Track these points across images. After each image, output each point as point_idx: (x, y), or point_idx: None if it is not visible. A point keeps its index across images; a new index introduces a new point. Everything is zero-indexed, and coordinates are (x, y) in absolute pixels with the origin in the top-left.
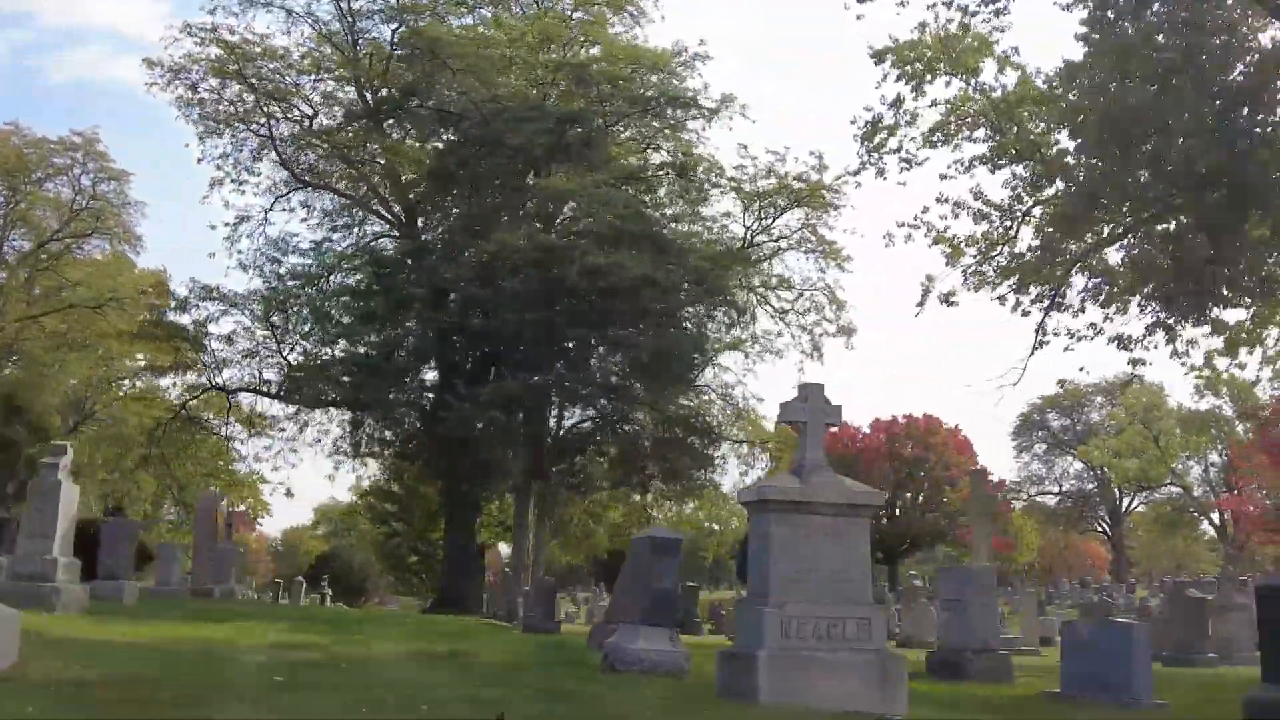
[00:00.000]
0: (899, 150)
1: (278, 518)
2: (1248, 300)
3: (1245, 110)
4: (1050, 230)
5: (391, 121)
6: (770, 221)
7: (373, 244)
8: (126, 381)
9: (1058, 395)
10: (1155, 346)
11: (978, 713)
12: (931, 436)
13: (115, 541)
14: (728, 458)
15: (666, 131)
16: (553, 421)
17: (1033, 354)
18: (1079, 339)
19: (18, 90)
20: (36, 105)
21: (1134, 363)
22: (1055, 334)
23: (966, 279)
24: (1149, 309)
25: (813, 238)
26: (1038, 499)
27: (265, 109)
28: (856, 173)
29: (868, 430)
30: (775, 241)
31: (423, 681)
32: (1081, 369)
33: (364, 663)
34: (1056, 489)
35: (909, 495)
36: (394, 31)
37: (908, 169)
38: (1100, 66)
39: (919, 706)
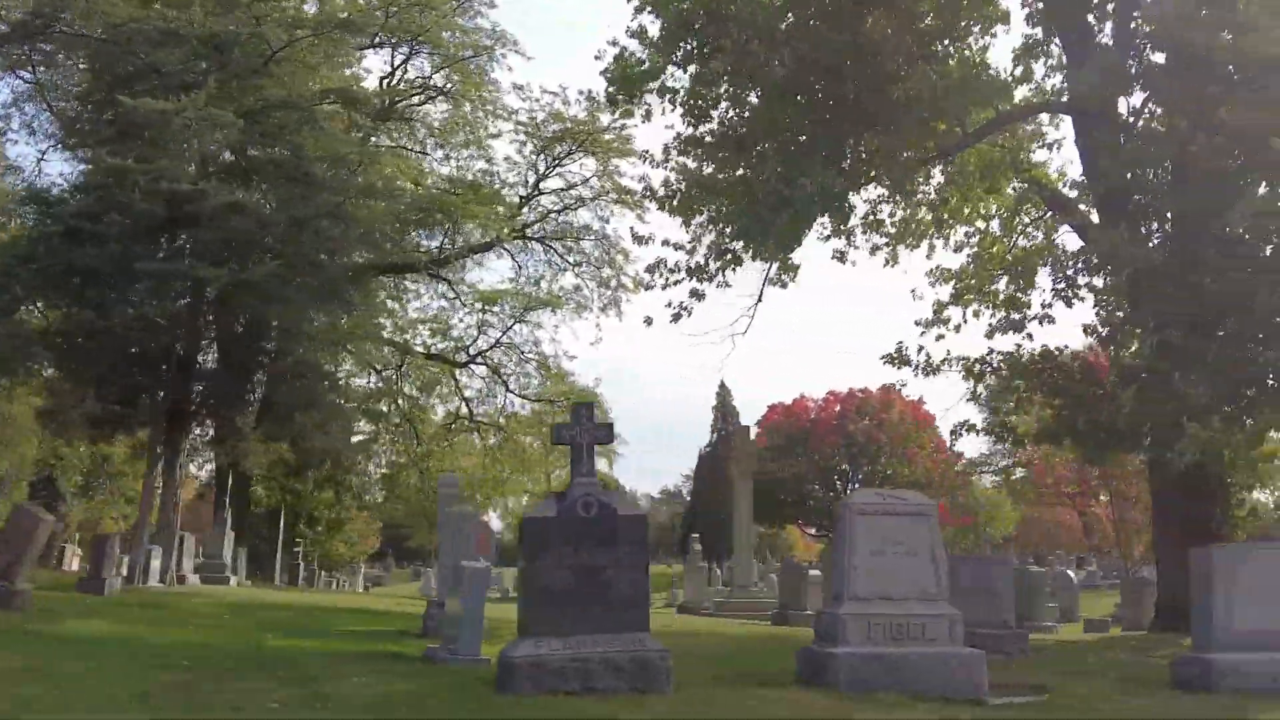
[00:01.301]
0: (662, 90)
1: None
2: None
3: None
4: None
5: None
6: (549, 170)
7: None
8: None
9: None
10: (720, 271)
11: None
12: (886, 410)
13: None
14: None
15: (436, 71)
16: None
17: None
18: (669, 281)
19: None
20: None
21: (694, 294)
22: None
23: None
24: (716, 231)
25: (609, 186)
26: (1008, 470)
27: (33, 54)
28: (615, 113)
29: (822, 403)
30: (569, 189)
31: None
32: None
33: None
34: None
35: (865, 469)
36: None
37: (672, 109)
38: None
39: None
